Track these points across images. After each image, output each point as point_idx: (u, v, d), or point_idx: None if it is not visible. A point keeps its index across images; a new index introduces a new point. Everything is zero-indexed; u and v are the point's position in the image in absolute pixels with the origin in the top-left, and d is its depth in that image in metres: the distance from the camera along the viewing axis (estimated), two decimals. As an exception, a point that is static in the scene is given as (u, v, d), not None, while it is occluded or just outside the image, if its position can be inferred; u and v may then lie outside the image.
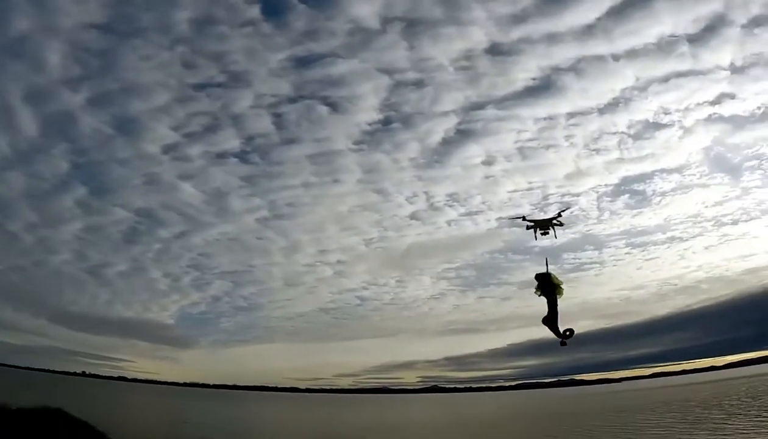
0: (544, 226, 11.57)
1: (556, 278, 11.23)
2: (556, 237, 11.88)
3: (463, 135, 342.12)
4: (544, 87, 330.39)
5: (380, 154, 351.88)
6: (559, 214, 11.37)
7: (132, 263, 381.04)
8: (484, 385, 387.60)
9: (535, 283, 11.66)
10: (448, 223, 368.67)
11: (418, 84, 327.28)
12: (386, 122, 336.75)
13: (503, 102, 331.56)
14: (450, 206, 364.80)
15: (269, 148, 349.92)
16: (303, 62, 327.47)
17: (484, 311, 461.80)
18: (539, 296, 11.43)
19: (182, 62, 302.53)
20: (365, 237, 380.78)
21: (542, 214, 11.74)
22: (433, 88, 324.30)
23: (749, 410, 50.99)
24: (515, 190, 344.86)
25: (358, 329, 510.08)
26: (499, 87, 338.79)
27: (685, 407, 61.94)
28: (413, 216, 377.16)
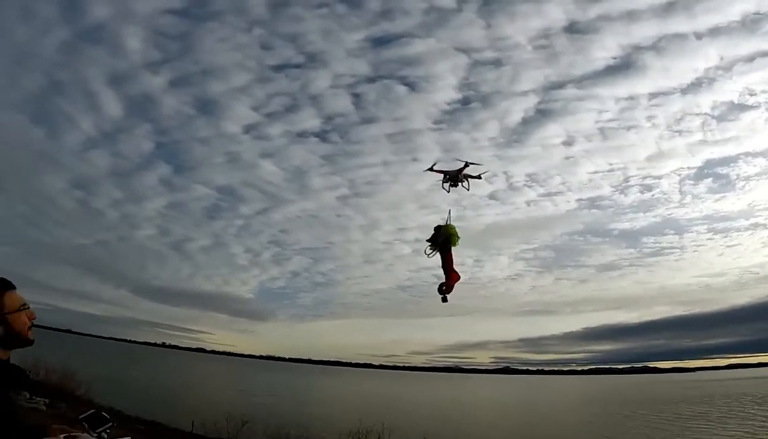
0: (454, 178, 10.43)
1: (452, 228, 9.99)
2: (468, 189, 10.60)
3: (542, 115, 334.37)
4: (624, 66, 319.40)
5: (459, 133, 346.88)
6: (466, 165, 10.30)
7: (214, 239, 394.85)
8: (556, 368, 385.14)
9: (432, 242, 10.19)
10: (527, 203, 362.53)
11: (496, 63, 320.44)
12: (465, 102, 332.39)
13: (583, 81, 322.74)
14: (529, 186, 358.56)
15: (348, 128, 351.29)
16: (379, 42, 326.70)
17: (561, 293, 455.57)
18: (431, 254, 10.04)
19: (260, 44, 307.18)
20: (444, 216, 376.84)
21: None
22: (512, 67, 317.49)
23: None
24: (595, 172, 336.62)
25: (434, 307, 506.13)
26: (579, 66, 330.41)
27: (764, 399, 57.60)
28: (492, 196, 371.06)
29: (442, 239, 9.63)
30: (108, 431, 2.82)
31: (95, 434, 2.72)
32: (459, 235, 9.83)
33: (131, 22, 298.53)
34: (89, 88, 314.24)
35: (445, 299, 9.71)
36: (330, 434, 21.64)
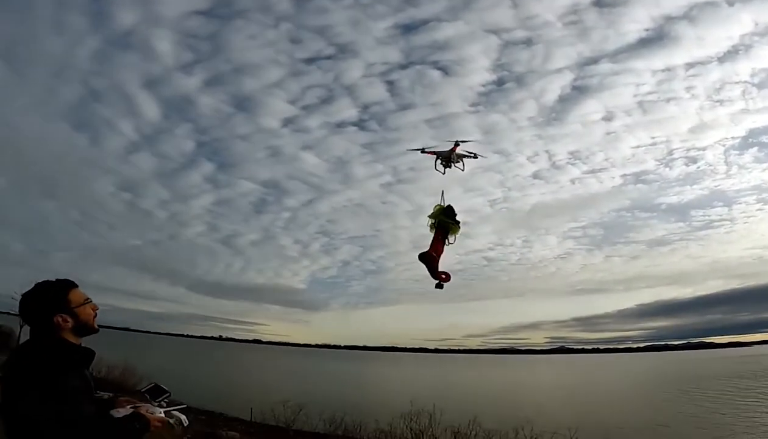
0: (446, 158, 9.94)
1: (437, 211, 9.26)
2: (463, 170, 10.14)
3: (579, 91, 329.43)
4: (657, 38, 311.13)
5: (497, 114, 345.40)
6: (457, 144, 9.82)
7: (262, 232, 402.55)
8: (612, 347, 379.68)
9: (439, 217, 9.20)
10: (572, 181, 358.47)
11: (528, 42, 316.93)
12: (500, 82, 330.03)
13: (617, 55, 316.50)
14: (572, 164, 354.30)
15: (386, 115, 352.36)
16: (408, 29, 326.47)
17: (612, 271, 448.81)
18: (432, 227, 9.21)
19: (289, 38, 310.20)
20: (489, 198, 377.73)
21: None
22: (543, 45, 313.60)
23: None
24: (638, 146, 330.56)
25: (486, 289, 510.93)
26: (611, 40, 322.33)
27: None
28: (536, 175, 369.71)
29: (439, 223, 9.00)
30: (166, 400, 3.25)
31: (156, 403, 3.15)
32: (454, 222, 9.05)
33: (159, 26, 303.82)
34: (126, 92, 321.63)
35: (440, 286, 9.08)
36: (383, 417, 21.92)
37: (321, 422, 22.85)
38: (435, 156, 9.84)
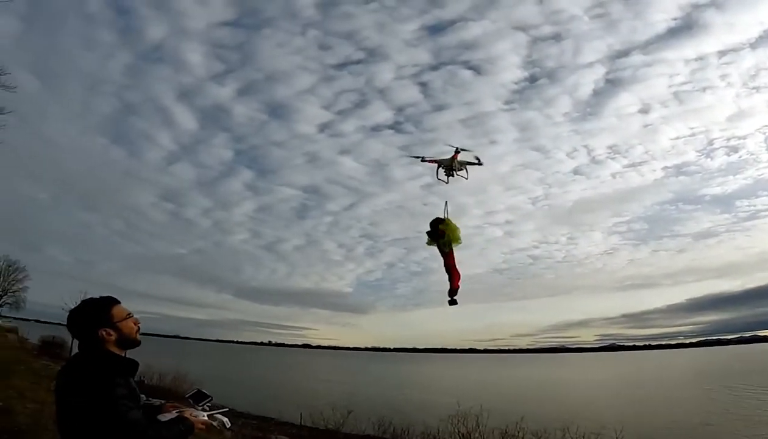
0: (448, 166, 9.47)
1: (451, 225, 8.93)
2: (467, 178, 9.63)
3: (612, 84, 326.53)
4: (686, 26, 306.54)
5: (532, 111, 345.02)
6: (458, 151, 9.37)
7: (305, 237, 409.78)
8: (663, 342, 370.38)
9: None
10: (613, 175, 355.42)
11: (556, 37, 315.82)
12: (532, 79, 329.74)
13: (647, 46, 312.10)
14: (612, 158, 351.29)
15: (420, 117, 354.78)
16: (435, 30, 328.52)
17: (659, 265, 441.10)
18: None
19: (317, 44, 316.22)
20: (530, 195, 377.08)
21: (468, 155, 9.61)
22: (572, 39, 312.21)
23: None
24: (677, 137, 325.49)
25: (532, 288, 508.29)
26: (640, 31, 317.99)
27: None
28: (576, 171, 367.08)
29: (444, 240, 8.83)
30: (209, 404, 3.49)
31: (199, 407, 3.40)
32: (458, 235, 8.97)
33: (188, 39, 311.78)
34: (161, 105, 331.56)
35: (453, 302, 8.91)
36: (431, 420, 22.01)
37: (370, 425, 23.05)
38: (436, 165, 9.59)
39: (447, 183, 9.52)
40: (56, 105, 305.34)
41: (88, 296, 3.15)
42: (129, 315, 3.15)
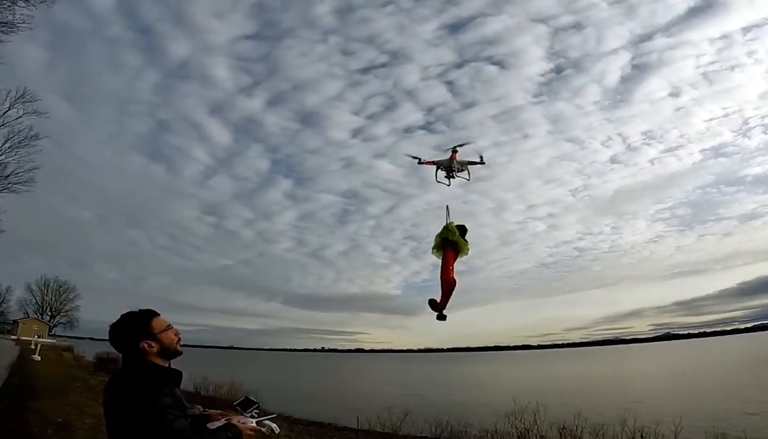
0: (448, 168, 9.18)
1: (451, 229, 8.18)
2: (469, 178, 9.32)
3: (639, 70, 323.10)
4: (706, 5, 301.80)
5: (561, 102, 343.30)
6: (455, 150, 9.14)
7: (349, 242, 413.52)
8: (719, 329, 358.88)
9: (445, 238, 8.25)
10: (651, 162, 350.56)
11: (577, 26, 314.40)
12: (558, 70, 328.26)
13: (669, 29, 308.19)
14: (647, 145, 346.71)
15: (451, 115, 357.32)
16: (455, 28, 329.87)
17: (707, 250, 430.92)
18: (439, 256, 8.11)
19: (340, 51, 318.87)
20: (570, 187, 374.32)
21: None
22: (593, 27, 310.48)
23: None
24: (711, 119, 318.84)
25: (581, 280, 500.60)
26: (660, 14, 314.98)
27: None
28: (613, 160, 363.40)
29: (446, 245, 8.08)
30: (257, 411, 3.60)
31: (247, 414, 3.51)
32: (464, 241, 8.14)
33: (212, 54, 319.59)
34: (193, 121, 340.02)
35: (442, 317, 8.01)
36: (488, 417, 22.01)
37: (427, 426, 23.14)
38: (435, 166, 9.28)
39: (449, 185, 9.21)
40: (90, 128, 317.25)
41: (138, 308, 3.28)
42: (169, 327, 3.25)
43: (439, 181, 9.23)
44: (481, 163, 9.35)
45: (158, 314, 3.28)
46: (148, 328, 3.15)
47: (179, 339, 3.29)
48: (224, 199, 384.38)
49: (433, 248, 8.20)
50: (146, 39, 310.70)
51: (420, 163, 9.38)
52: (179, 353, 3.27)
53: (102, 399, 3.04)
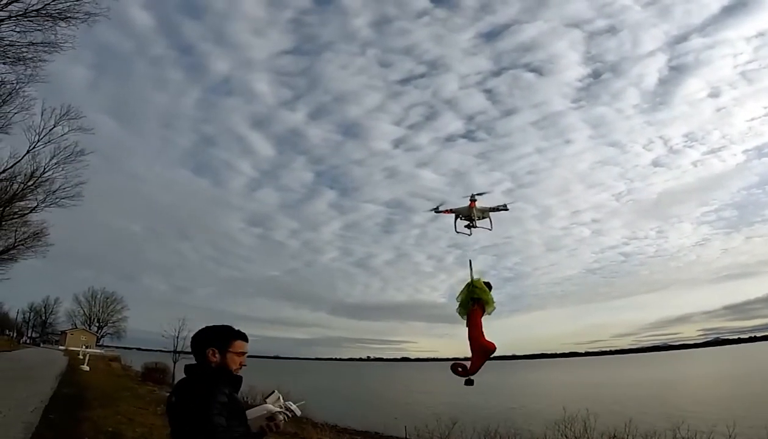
0: (467, 216, 8.76)
1: (479, 286, 7.48)
2: (491, 228, 8.83)
3: (677, 71, 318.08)
4: (740, 3, 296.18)
5: (601, 106, 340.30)
6: (473, 198, 8.64)
7: (395, 251, 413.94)
8: None
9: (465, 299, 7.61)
10: (693, 164, 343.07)
11: (612, 30, 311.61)
12: (596, 75, 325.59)
13: (705, 28, 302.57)
14: (689, 147, 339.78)
15: (492, 123, 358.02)
16: (491, 36, 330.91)
17: (755, 252, 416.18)
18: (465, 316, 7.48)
19: (378, 63, 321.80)
20: (613, 192, 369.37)
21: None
22: (628, 30, 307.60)
23: None
24: (752, 118, 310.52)
25: (628, 285, 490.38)
26: (695, 14, 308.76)
27: None
28: (655, 163, 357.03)
29: (472, 302, 7.46)
30: (279, 397, 3.81)
31: (268, 402, 3.70)
32: (491, 297, 7.50)
33: (253, 70, 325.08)
34: (237, 134, 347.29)
35: (470, 382, 7.57)
36: (537, 425, 22.05)
37: (475, 435, 23.03)
38: (453, 215, 8.89)
39: (470, 235, 8.82)
40: (137, 143, 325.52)
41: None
42: (242, 353, 3.44)
43: (458, 232, 8.88)
44: (505, 209, 9.01)
45: (244, 338, 3.50)
46: (222, 340, 3.37)
47: (240, 367, 3.45)
48: (270, 211, 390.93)
49: (459, 306, 7.64)
50: (188, 57, 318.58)
51: (437, 212, 9.09)
52: (234, 376, 3.37)
53: (162, 408, 3.40)
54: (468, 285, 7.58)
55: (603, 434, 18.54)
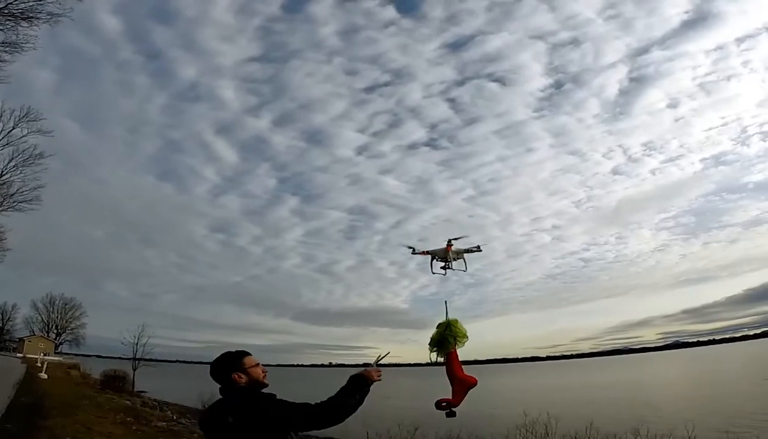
0: (443, 258, 8.69)
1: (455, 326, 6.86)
2: (466, 269, 8.77)
3: (637, 82, 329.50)
4: (700, 18, 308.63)
5: (563, 116, 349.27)
6: (450, 243, 8.62)
7: (358, 257, 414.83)
8: (728, 336, 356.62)
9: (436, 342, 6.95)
10: (652, 172, 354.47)
11: (575, 42, 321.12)
12: (558, 85, 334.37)
13: (665, 41, 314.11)
14: (648, 155, 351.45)
15: (454, 132, 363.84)
16: (455, 46, 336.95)
17: (713, 257, 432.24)
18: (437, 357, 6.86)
19: (344, 71, 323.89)
20: (574, 199, 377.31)
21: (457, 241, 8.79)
22: (591, 42, 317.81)
23: None
24: (710, 128, 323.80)
25: (589, 290, 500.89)
26: (656, 27, 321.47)
27: None
28: (615, 171, 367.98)
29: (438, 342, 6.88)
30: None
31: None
32: (463, 331, 6.91)
33: (220, 76, 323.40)
34: (202, 140, 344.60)
35: (452, 414, 6.57)
36: (499, 430, 22.10)
37: (436, 439, 23.12)
38: (429, 256, 8.84)
39: (445, 275, 8.78)
40: (101, 148, 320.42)
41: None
42: (257, 364, 3.70)
43: (434, 273, 8.87)
44: (478, 250, 9.11)
45: (250, 354, 3.75)
46: (239, 363, 3.60)
47: (265, 374, 3.75)
48: (233, 217, 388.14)
49: (431, 345, 6.99)
50: (155, 63, 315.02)
51: (414, 253, 8.98)
52: (265, 385, 3.68)
53: (215, 422, 3.40)
54: (444, 326, 6.92)
55: (564, 436, 18.66)
